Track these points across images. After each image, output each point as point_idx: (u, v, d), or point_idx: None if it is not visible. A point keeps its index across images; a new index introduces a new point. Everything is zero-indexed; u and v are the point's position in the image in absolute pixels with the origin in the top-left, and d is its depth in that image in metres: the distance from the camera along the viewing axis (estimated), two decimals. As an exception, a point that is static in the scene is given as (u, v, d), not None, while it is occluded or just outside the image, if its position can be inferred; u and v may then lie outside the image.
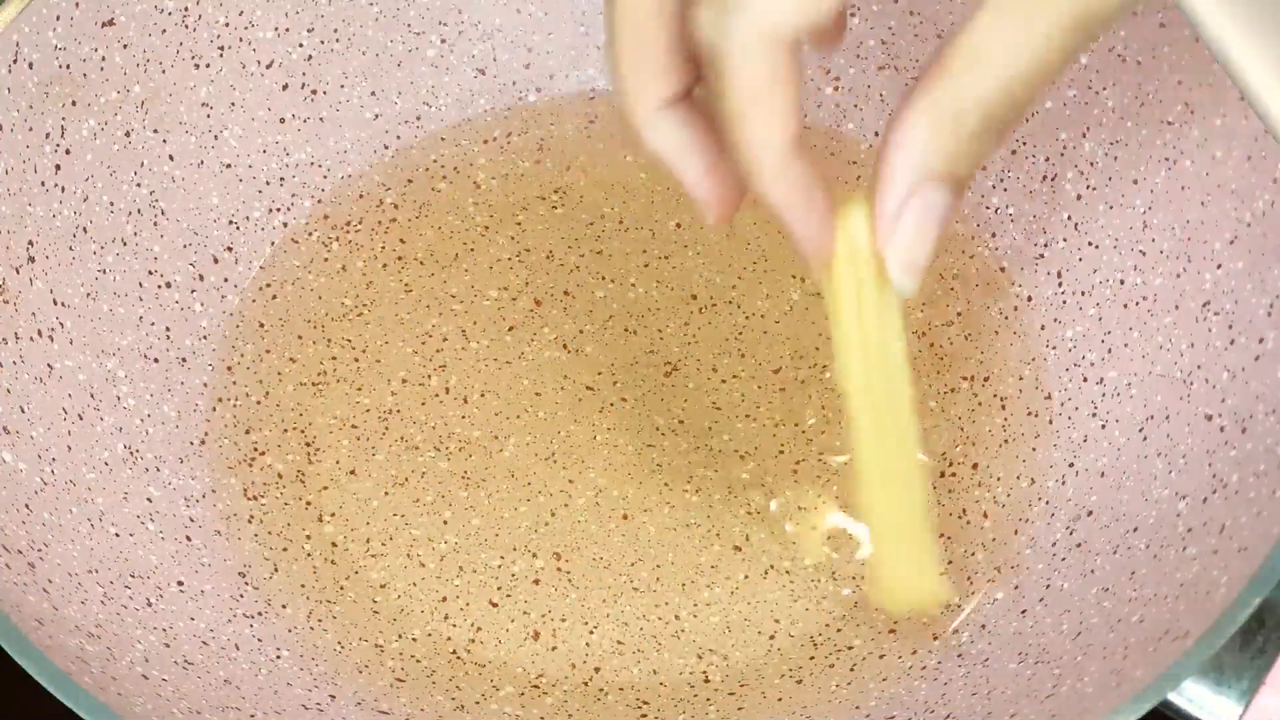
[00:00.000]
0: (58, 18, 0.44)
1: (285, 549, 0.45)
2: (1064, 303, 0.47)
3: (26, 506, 0.41)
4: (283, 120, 0.51)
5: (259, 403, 0.48)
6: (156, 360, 0.47)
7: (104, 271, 0.46)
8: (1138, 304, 0.45)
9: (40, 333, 0.44)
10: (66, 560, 0.40)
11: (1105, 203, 0.47)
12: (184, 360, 0.48)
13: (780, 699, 0.42)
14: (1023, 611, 0.42)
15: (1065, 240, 0.48)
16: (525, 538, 0.45)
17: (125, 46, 0.46)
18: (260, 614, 0.44)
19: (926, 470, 0.37)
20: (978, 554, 0.44)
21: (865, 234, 0.32)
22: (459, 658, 0.43)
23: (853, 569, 0.44)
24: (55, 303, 0.45)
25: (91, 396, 0.45)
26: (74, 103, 0.45)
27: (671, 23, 0.31)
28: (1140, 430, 0.44)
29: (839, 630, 0.43)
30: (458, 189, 0.52)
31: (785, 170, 0.31)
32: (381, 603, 0.44)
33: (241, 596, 0.44)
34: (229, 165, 0.50)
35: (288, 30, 0.50)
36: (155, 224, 0.48)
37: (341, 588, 0.44)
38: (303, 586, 0.44)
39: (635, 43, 0.32)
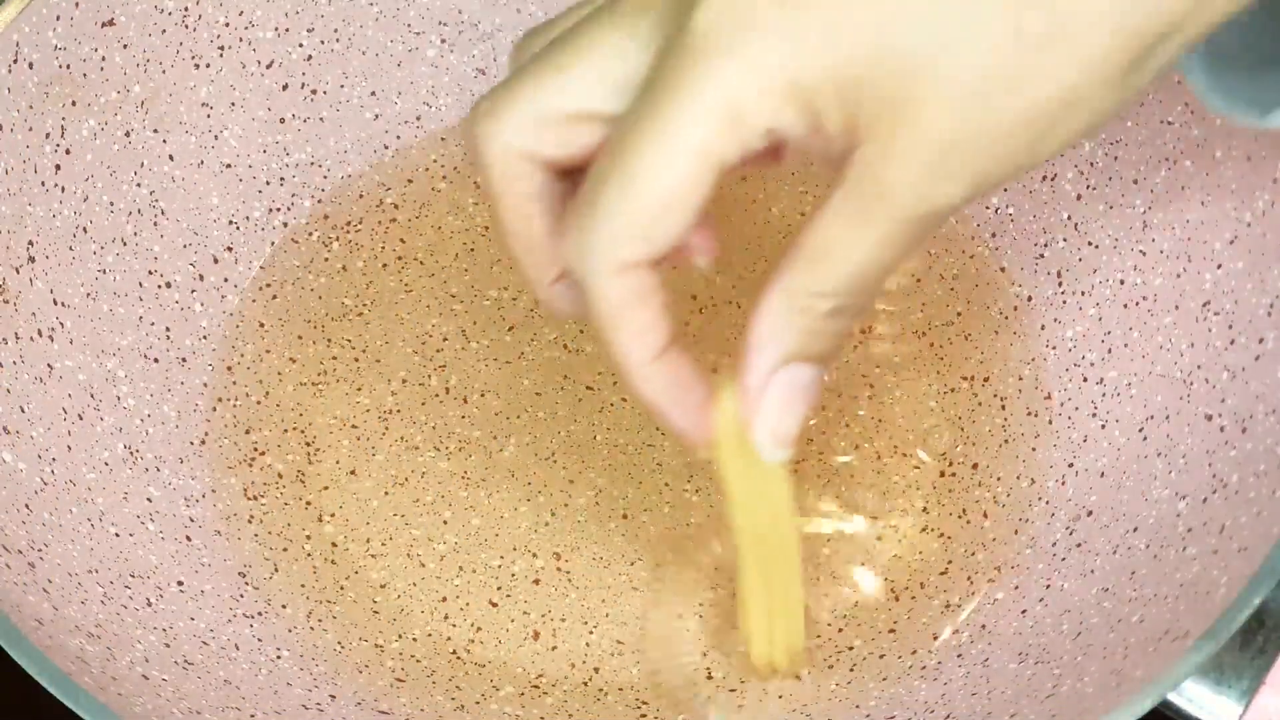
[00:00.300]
0: (58, 18, 0.44)
1: (285, 549, 0.45)
2: (1064, 303, 0.47)
3: (26, 506, 0.41)
4: (283, 120, 0.51)
5: (259, 403, 0.48)
6: (156, 360, 0.47)
7: (104, 271, 0.46)
8: (1138, 304, 0.45)
9: (40, 333, 0.44)
10: (66, 560, 0.40)
11: (1105, 203, 0.47)
12: (184, 360, 0.48)
13: (780, 698, 0.42)
14: (1023, 611, 0.42)
15: (1065, 240, 0.48)
16: (525, 538, 0.45)
17: (125, 46, 0.46)
18: (260, 614, 0.44)
19: (802, 599, 0.40)
20: (978, 554, 0.44)
21: (735, 435, 0.34)
22: (459, 658, 0.43)
23: (853, 569, 0.44)
24: (55, 303, 0.45)
25: (91, 396, 0.45)
26: (74, 103, 0.45)
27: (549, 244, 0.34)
28: (1140, 430, 0.44)
29: (839, 630, 0.43)
30: (458, 189, 0.52)
31: (652, 376, 0.33)
32: (381, 603, 0.44)
33: (241, 596, 0.44)
34: (229, 165, 0.50)
35: (288, 30, 0.50)
36: (155, 224, 0.48)
37: (341, 588, 0.44)
38: (303, 586, 0.44)
39: (531, 265, 0.36)
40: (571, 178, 0.34)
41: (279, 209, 0.51)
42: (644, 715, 0.42)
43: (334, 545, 0.45)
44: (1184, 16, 0.28)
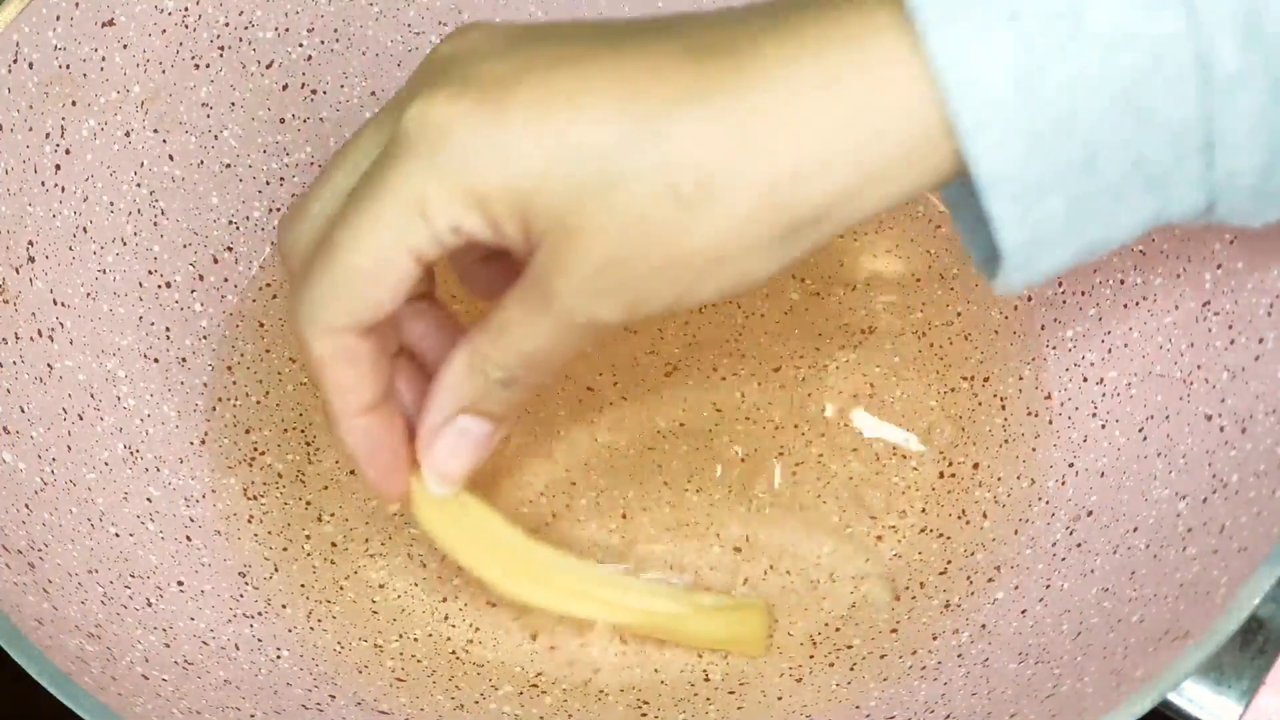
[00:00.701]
0: (58, 18, 0.44)
1: (285, 549, 0.45)
2: (1064, 303, 0.47)
3: (26, 506, 0.41)
4: (282, 120, 0.51)
5: (259, 403, 0.48)
6: (156, 360, 0.47)
7: (104, 271, 0.46)
8: (1138, 304, 0.45)
9: (40, 333, 0.44)
10: (66, 560, 0.40)
11: (1105, 203, 0.47)
12: (184, 360, 0.48)
13: (780, 699, 0.42)
14: (1023, 611, 0.42)
15: (1065, 240, 0.48)
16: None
17: (125, 46, 0.46)
18: (260, 614, 0.44)
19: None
20: (978, 554, 0.44)
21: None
22: (459, 658, 0.43)
23: (853, 569, 0.44)
24: (55, 303, 0.45)
25: (91, 396, 0.45)
26: (74, 103, 0.45)
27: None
28: (1140, 430, 0.44)
29: (839, 630, 0.43)
30: (458, 189, 0.52)
31: (353, 430, 0.37)
32: (381, 603, 0.44)
33: (241, 596, 0.44)
34: (229, 165, 0.50)
35: (288, 30, 0.50)
36: (155, 224, 0.48)
37: (341, 588, 0.44)
38: (303, 586, 0.44)
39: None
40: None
41: (279, 209, 0.51)
42: (644, 715, 0.42)
43: (334, 545, 0.45)
44: (831, 207, 0.31)
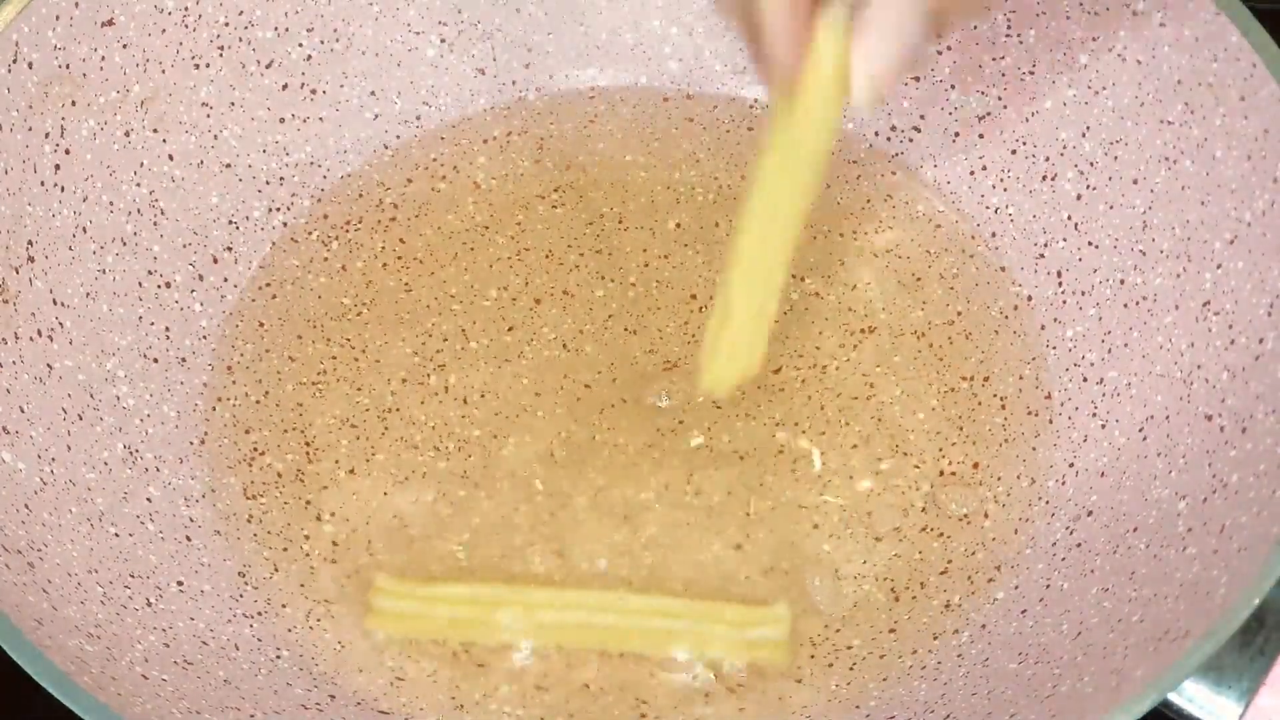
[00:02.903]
0: (57, 18, 0.44)
1: (285, 549, 0.45)
2: (1064, 303, 0.48)
3: (26, 506, 0.41)
4: (282, 120, 0.51)
5: (258, 402, 0.48)
6: (156, 360, 0.47)
7: (104, 271, 0.46)
8: (1138, 304, 0.45)
9: (40, 333, 0.44)
10: (66, 560, 0.40)
11: (1105, 203, 0.47)
12: (183, 360, 0.48)
13: (780, 699, 0.42)
14: (1023, 611, 0.42)
15: (1065, 240, 0.48)
16: (525, 537, 0.45)
17: (125, 46, 0.46)
18: (260, 614, 0.44)
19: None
20: (978, 554, 0.44)
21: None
22: (459, 658, 0.43)
23: (853, 569, 0.44)
24: (55, 303, 0.45)
25: (91, 396, 0.45)
26: (74, 103, 0.45)
27: None
28: (1140, 430, 0.44)
29: (839, 630, 0.43)
30: (457, 188, 0.52)
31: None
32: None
33: (241, 596, 0.44)
34: (229, 165, 0.50)
35: (288, 30, 0.50)
36: (155, 224, 0.48)
37: (341, 587, 0.44)
38: (303, 586, 0.44)
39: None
40: None
41: (278, 208, 0.51)
42: (644, 715, 0.42)
43: (334, 545, 0.45)
44: None
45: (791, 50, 0.33)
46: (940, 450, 0.46)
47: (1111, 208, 0.47)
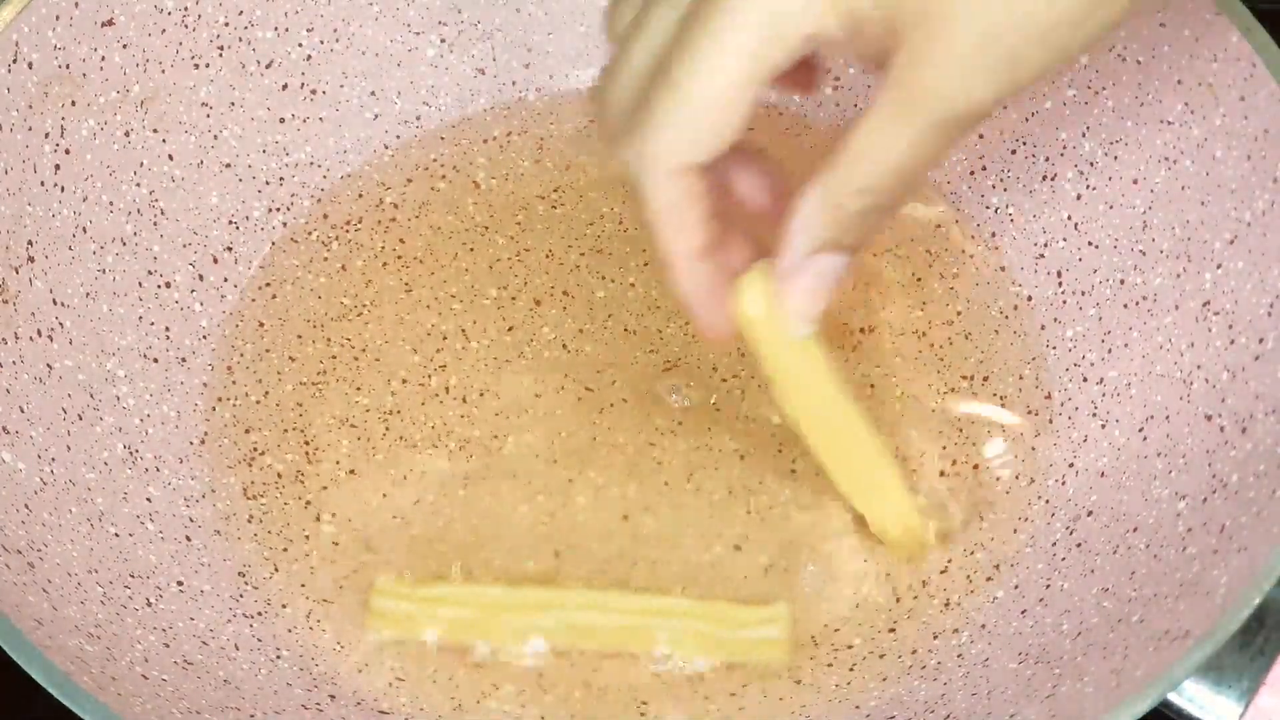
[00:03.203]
0: (57, 18, 0.44)
1: (285, 549, 0.45)
2: (1064, 303, 0.48)
3: (26, 506, 0.41)
4: (282, 120, 0.51)
5: (258, 402, 0.48)
6: (156, 360, 0.47)
7: (104, 271, 0.46)
8: (1138, 304, 0.45)
9: (40, 333, 0.44)
10: (66, 560, 0.40)
11: (1105, 203, 0.47)
12: (184, 360, 0.48)
13: (780, 699, 0.42)
14: (1023, 611, 0.42)
15: (1065, 240, 0.48)
16: (525, 537, 0.45)
17: (125, 46, 0.46)
18: (260, 614, 0.44)
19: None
20: (978, 554, 0.44)
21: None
22: (459, 658, 0.43)
23: (853, 568, 0.44)
24: (55, 303, 0.45)
25: (91, 396, 0.45)
26: (74, 103, 0.45)
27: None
28: (1140, 430, 0.44)
29: (839, 630, 0.43)
30: (457, 188, 0.52)
31: (691, 271, 0.36)
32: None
33: (241, 596, 0.44)
34: (229, 165, 0.50)
35: (288, 30, 0.50)
36: (155, 224, 0.48)
37: (341, 587, 0.44)
38: (303, 586, 0.44)
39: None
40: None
41: (279, 209, 0.51)
42: (644, 715, 0.42)
43: (334, 545, 0.45)
44: None
45: (714, 321, 0.38)
46: (940, 450, 0.46)
47: (1111, 208, 0.47)
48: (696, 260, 0.36)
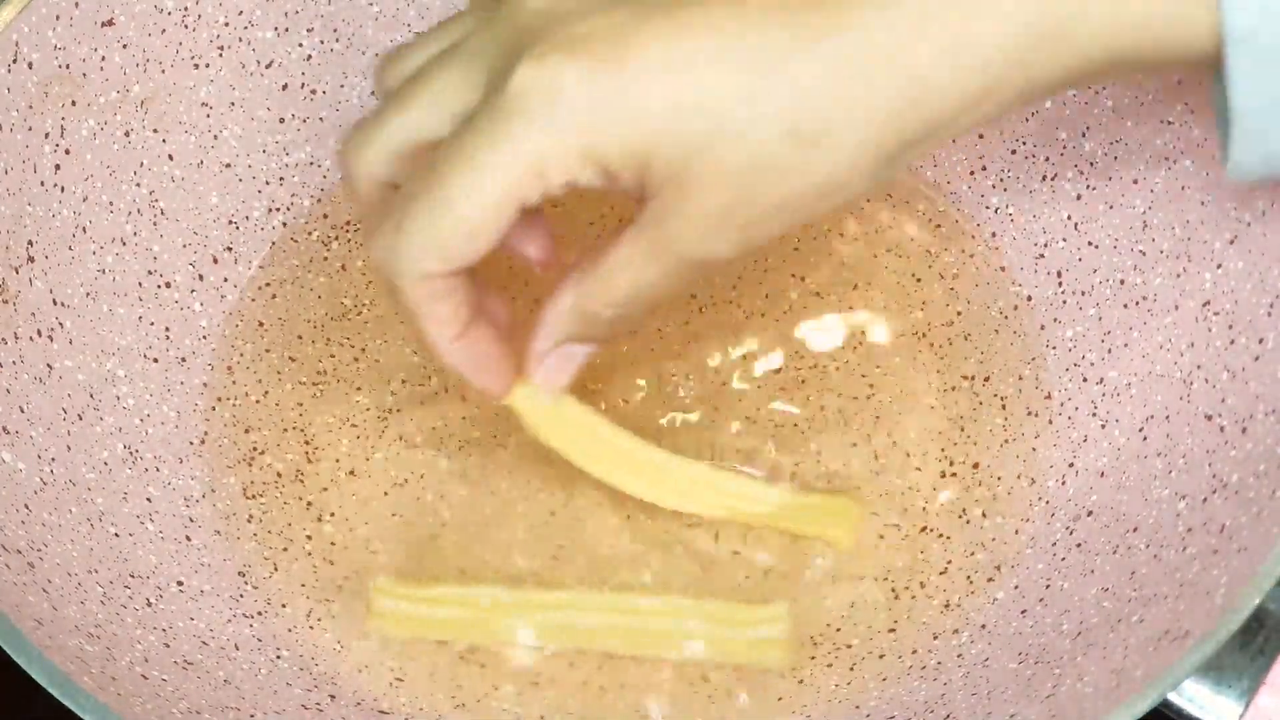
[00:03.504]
0: (57, 18, 0.44)
1: (285, 549, 0.45)
2: (1064, 303, 0.47)
3: (26, 506, 0.41)
4: (282, 120, 0.51)
5: (258, 402, 0.48)
6: (156, 360, 0.47)
7: (104, 271, 0.46)
8: (1138, 304, 0.45)
9: (40, 333, 0.44)
10: (66, 560, 0.40)
11: (1105, 203, 0.47)
12: (183, 360, 0.48)
13: (780, 699, 0.42)
14: (1023, 611, 0.42)
15: (1065, 240, 0.48)
16: (525, 537, 0.45)
17: (125, 46, 0.46)
18: (260, 614, 0.44)
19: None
20: (978, 554, 0.44)
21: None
22: (459, 658, 0.43)
23: (852, 569, 0.44)
24: (55, 303, 0.45)
25: (91, 396, 0.45)
26: (74, 103, 0.45)
27: None
28: (1140, 430, 0.44)
29: (839, 630, 0.43)
30: (457, 189, 0.52)
31: (453, 352, 0.38)
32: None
33: (241, 596, 0.44)
34: (229, 165, 0.50)
35: (288, 30, 0.50)
36: (155, 224, 0.48)
37: (341, 587, 0.44)
38: (302, 586, 0.44)
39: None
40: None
41: (278, 209, 0.51)
42: (644, 715, 0.42)
43: (334, 545, 0.45)
44: (943, 124, 0.33)
45: (488, 385, 0.40)
46: (940, 450, 0.46)
47: (1111, 208, 0.47)
48: (454, 342, 0.38)
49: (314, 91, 0.51)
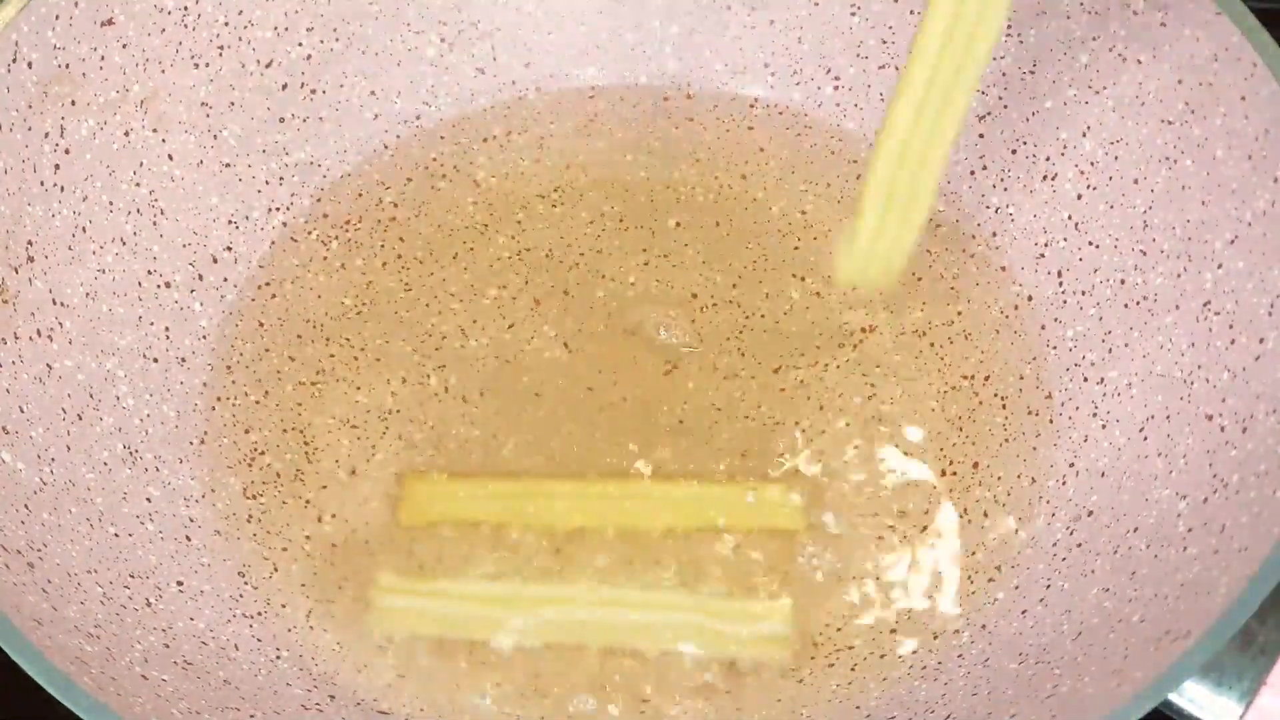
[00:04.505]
0: (57, 17, 0.44)
1: (285, 549, 0.45)
2: (1064, 303, 0.47)
3: (26, 506, 0.41)
4: (282, 120, 0.51)
5: (258, 402, 0.48)
6: (156, 360, 0.47)
7: (103, 271, 0.46)
8: (1138, 304, 0.45)
9: (40, 333, 0.44)
10: (66, 560, 0.40)
11: (1105, 202, 0.47)
12: (183, 360, 0.48)
13: (780, 699, 0.42)
14: (1023, 611, 0.42)
15: (1065, 240, 0.48)
16: (524, 537, 0.45)
17: (125, 46, 0.46)
18: (260, 614, 0.44)
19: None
20: (978, 554, 0.44)
21: None
22: (459, 657, 0.43)
23: (854, 568, 0.44)
24: (55, 303, 0.45)
25: (91, 396, 0.45)
26: (73, 102, 0.45)
27: None
28: (1140, 430, 0.44)
29: (839, 630, 0.43)
30: (457, 187, 0.52)
31: None
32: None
33: (241, 596, 0.44)
34: (229, 165, 0.50)
35: (287, 30, 0.50)
36: (155, 224, 0.48)
37: (341, 587, 0.44)
38: (302, 586, 0.44)
39: None
40: None
41: (278, 208, 0.51)
42: (644, 714, 0.42)
43: (333, 545, 0.45)
44: None
45: None
46: (940, 450, 0.46)
47: (1112, 207, 0.47)
48: None
49: (313, 91, 0.51)
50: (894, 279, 0.42)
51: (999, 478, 0.45)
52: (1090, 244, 0.47)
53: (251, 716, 0.40)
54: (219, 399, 0.48)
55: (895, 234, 0.42)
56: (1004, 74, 0.49)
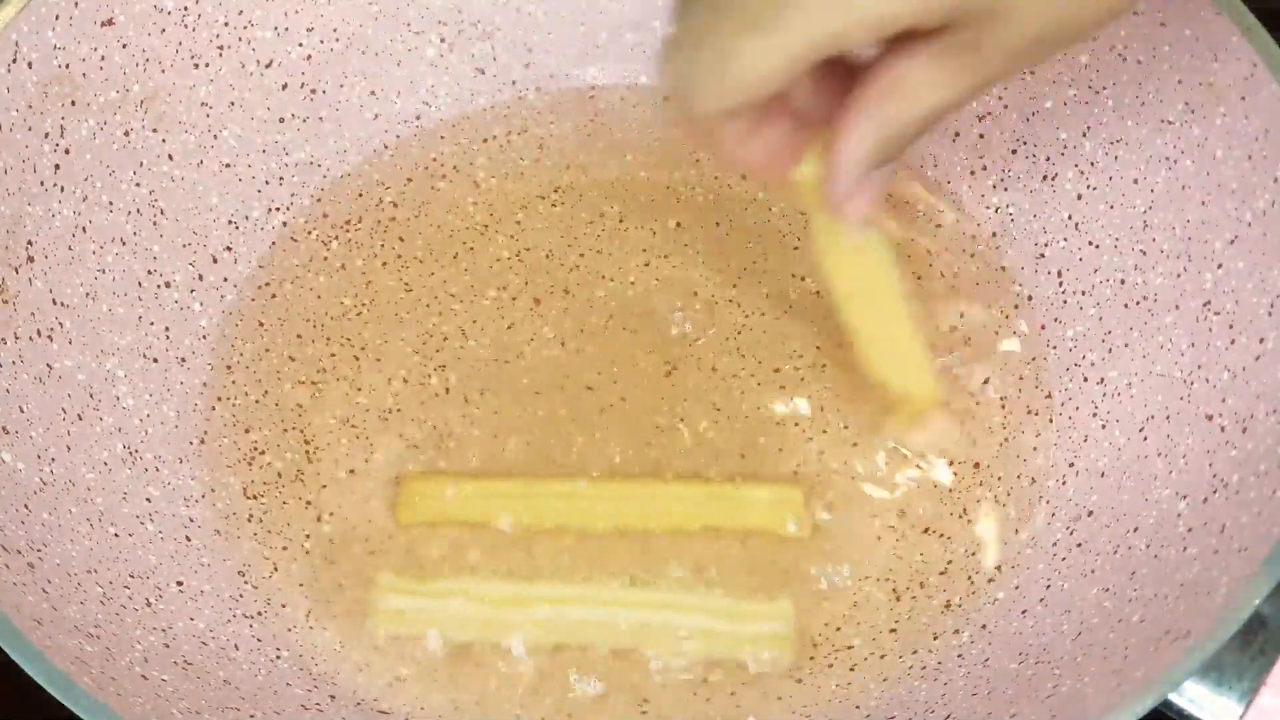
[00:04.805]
0: (57, 17, 0.44)
1: (284, 548, 0.45)
2: (1064, 303, 0.47)
3: (26, 506, 0.41)
4: (282, 120, 0.51)
5: (258, 402, 0.48)
6: (156, 360, 0.47)
7: (103, 271, 0.46)
8: (1138, 304, 0.45)
9: (40, 333, 0.44)
10: (66, 560, 0.40)
11: (1105, 203, 0.47)
12: (183, 360, 0.48)
13: (780, 699, 0.42)
14: (1023, 611, 0.42)
15: (1065, 240, 0.48)
16: (524, 537, 0.45)
17: (125, 46, 0.46)
18: (260, 614, 0.44)
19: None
20: (978, 554, 0.44)
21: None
22: (459, 658, 0.43)
23: (854, 568, 0.44)
24: (55, 303, 0.45)
25: (91, 396, 0.45)
26: (73, 102, 0.45)
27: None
28: (1140, 430, 0.44)
29: (839, 630, 0.43)
30: (457, 188, 0.52)
31: (739, 157, 0.39)
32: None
33: (241, 596, 0.44)
34: (229, 165, 0.50)
35: (287, 30, 0.50)
36: (155, 224, 0.48)
37: (341, 587, 0.44)
38: (302, 586, 0.44)
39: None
40: None
41: (278, 208, 0.51)
42: (644, 715, 0.42)
43: (334, 545, 0.45)
44: None
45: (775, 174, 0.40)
46: (940, 450, 0.46)
47: (1112, 207, 0.47)
48: (748, 143, 0.39)
49: (313, 91, 0.51)
50: (936, 393, 0.46)
51: (999, 478, 0.45)
52: (1090, 244, 0.47)
53: (251, 716, 0.40)
54: (219, 399, 0.48)
55: (913, 375, 0.45)
56: (1004, 74, 0.49)
